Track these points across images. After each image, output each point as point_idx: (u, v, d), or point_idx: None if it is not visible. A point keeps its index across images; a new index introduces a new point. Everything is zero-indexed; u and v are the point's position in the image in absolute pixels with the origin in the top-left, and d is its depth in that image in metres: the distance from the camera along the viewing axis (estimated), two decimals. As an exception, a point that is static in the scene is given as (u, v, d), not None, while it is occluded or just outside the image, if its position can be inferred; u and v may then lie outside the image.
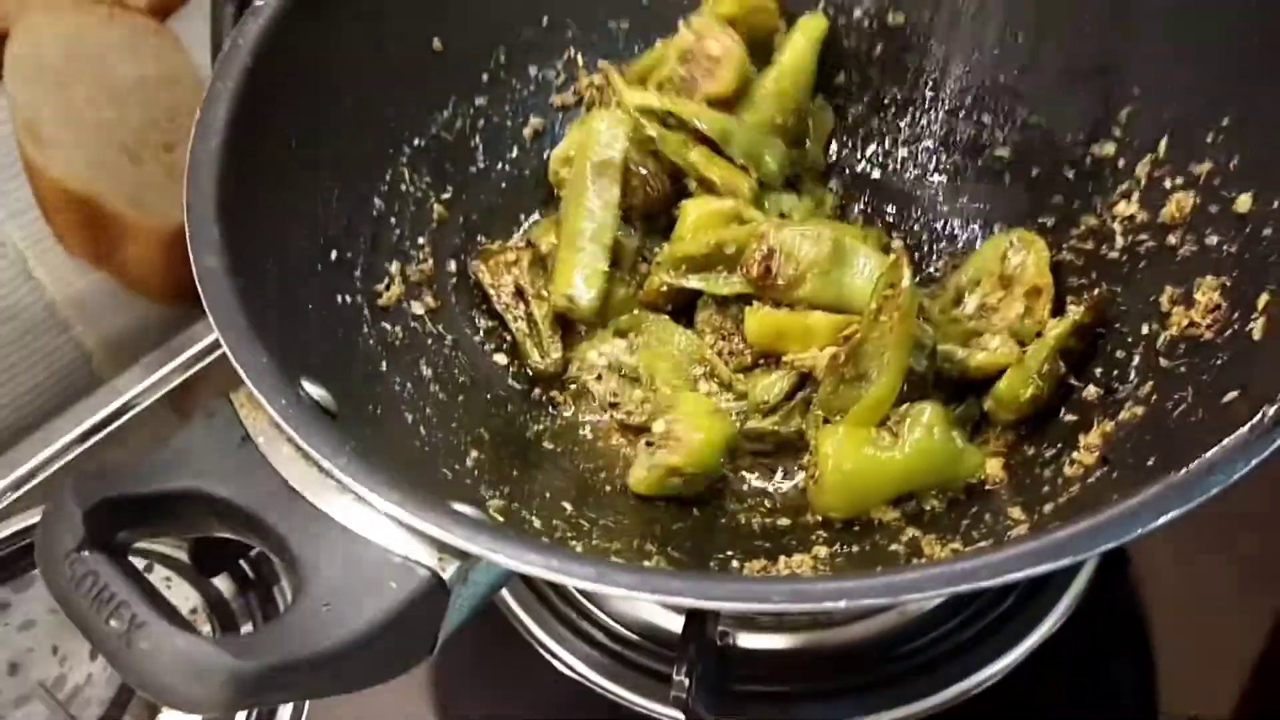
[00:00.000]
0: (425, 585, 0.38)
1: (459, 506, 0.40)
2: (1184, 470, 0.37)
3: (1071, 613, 0.59)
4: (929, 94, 0.65)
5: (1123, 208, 0.56)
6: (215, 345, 0.79)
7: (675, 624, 0.60)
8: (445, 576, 0.38)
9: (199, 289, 0.45)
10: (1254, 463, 0.36)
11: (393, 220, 0.59)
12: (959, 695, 0.57)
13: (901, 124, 0.66)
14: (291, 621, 0.37)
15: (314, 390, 0.44)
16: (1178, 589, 0.61)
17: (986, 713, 0.57)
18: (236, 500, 0.41)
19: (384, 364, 0.53)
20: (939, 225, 0.64)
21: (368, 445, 0.43)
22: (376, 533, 0.39)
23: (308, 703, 0.59)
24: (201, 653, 0.35)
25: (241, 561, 0.64)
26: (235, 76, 0.52)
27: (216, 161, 0.49)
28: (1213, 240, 0.51)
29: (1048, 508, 0.46)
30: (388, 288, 0.57)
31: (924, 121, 0.66)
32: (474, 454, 0.51)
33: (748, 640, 0.59)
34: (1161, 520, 0.35)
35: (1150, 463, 0.43)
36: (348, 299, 0.54)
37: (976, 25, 0.62)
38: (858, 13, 0.65)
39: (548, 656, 0.60)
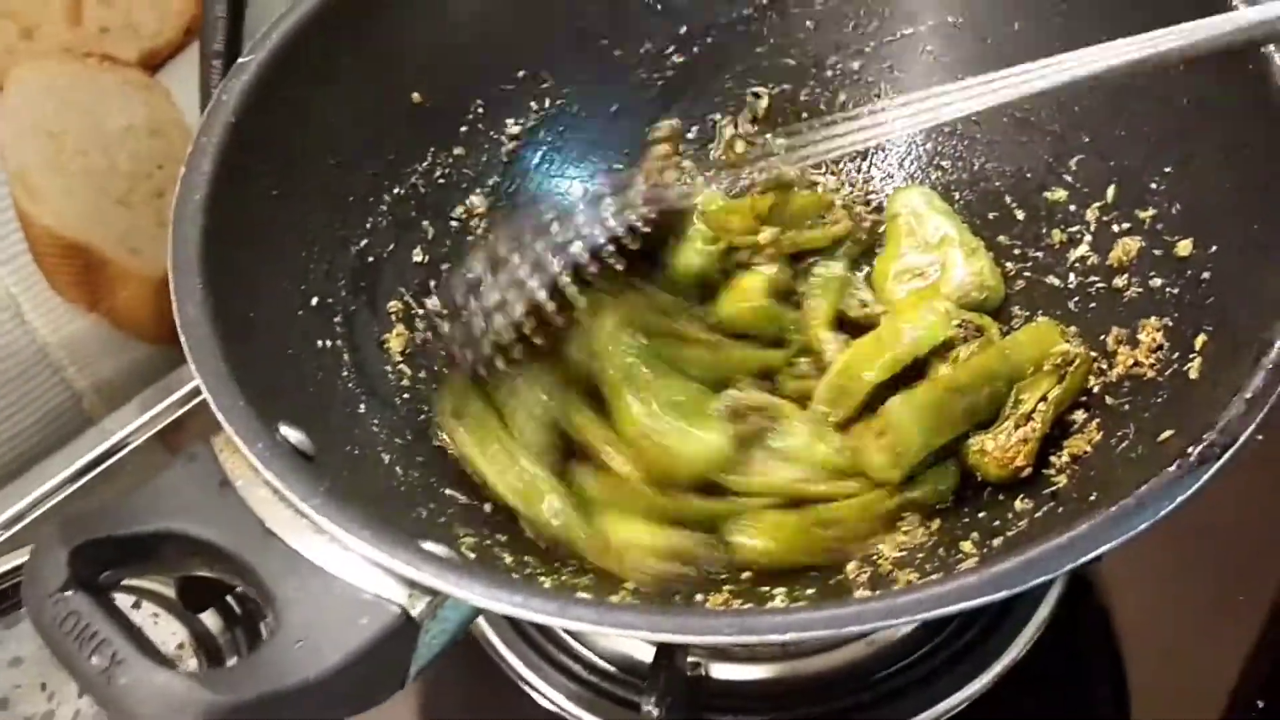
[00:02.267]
0: (395, 622, 0.40)
1: (428, 545, 0.42)
2: (1114, 507, 0.39)
3: (1040, 635, 0.60)
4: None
5: (1073, 251, 0.58)
6: (203, 386, 0.81)
7: (650, 656, 0.62)
8: (414, 613, 0.40)
9: (181, 337, 0.47)
10: (1179, 500, 0.38)
11: (372, 266, 0.61)
12: (931, 720, 0.59)
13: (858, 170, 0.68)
14: (266, 657, 0.39)
15: (291, 434, 0.46)
16: (1147, 608, 0.62)
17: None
18: (215, 541, 0.42)
19: (362, 405, 0.55)
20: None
21: (345, 486, 0.45)
22: (348, 571, 0.41)
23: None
24: (179, 688, 0.37)
25: (228, 598, 0.66)
26: (219, 131, 0.54)
27: (200, 214, 0.51)
28: (1156, 282, 0.54)
29: (997, 541, 0.48)
30: (366, 332, 0.59)
31: (883, 167, 0.68)
32: (448, 493, 0.53)
33: (720, 670, 0.61)
34: (1090, 555, 0.37)
35: (1093, 498, 0.45)
36: (328, 343, 0.56)
37: (930, 75, 0.65)
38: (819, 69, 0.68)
39: (526, 689, 0.62)
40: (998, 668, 0.60)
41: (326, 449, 0.48)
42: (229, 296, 0.49)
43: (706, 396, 0.55)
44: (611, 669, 0.62)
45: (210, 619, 0.66)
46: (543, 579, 0.49)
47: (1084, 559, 0.37)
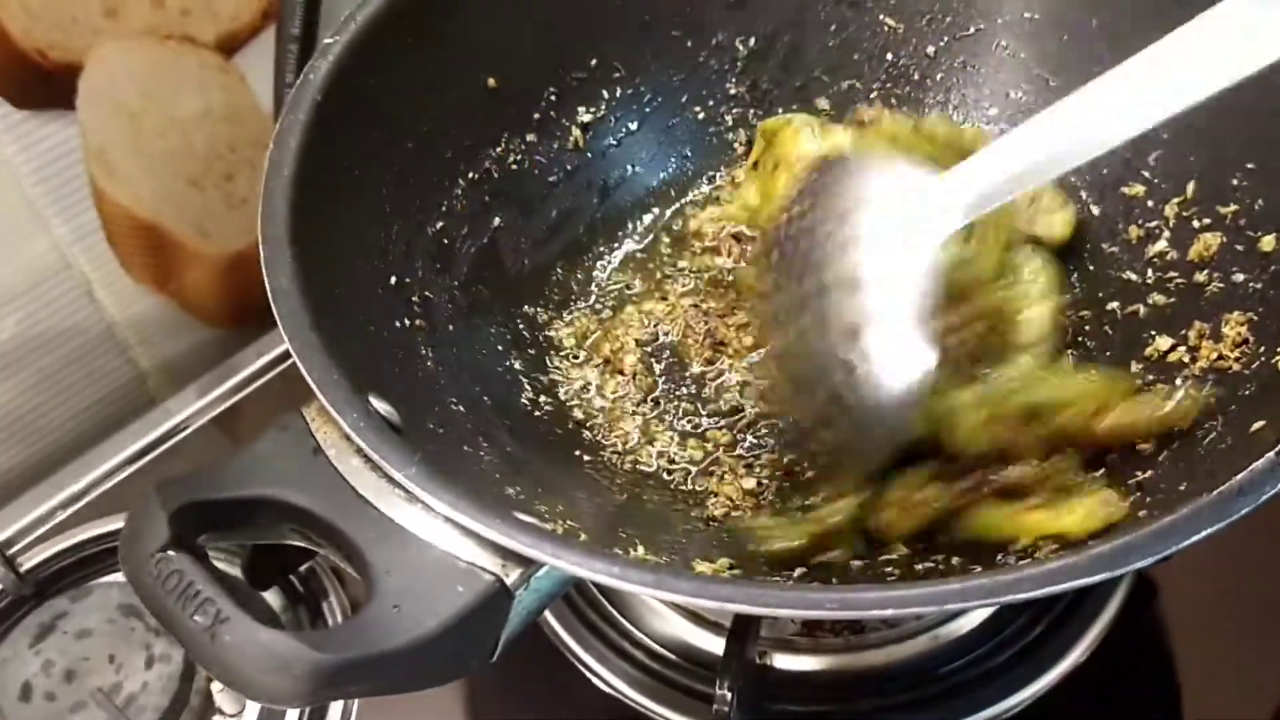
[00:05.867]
0: (490, 589, 0.40)
1: (521, 516, 0.42)
2: (1215, 492, 0.39)
3: (1101, 641, 0.61)
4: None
5: (1151, 246, 0.58)
6: (263, 370, 0.82)
7: (712, 644, 0.62)
8: (509, 582, 0.40)
9: (273, 309, 0.47)
10: (1280, 487, 0.38)
11: (448, 249, 0.61)
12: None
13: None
14: (366, 620, 0.39)
15: (381, 406, 0.46)
16: (1206, 620, 0.62)
17: (1018, 737, 0.59)
18: (310, 507, 0.43)
19: (441, 383, 0.55)
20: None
21: (431, 460, 0.45)
22: (442, 540, 0.41)
23: (355, 708, 0.61)
24: (284, 646, 0.37)
25: (291, 577, 0.67)
26: (306, 110, 0.54)
27: (289, 188, 0.51)
28: (1239, 278, 0.53)
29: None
30: (443, 313, 0.59)
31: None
32: (530, 471, 0.54)
33: (784, 661, 0.61)
34: (1192, 539, 0.37)
35: (1182, 488, 0.45)
36: (406, 322, 0.56)
37: (1005, 71, 0.65)
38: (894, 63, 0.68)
39: (586, 673, 0.62)
40: (1058, 670, 0.60)
41: (411, 425, 0.48)
42: (315, 270, 0.50)
43: None
44: (672, 656, 0.63)
45: (273, 597, 0.66)
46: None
47: (1187, 543, 0.37)
